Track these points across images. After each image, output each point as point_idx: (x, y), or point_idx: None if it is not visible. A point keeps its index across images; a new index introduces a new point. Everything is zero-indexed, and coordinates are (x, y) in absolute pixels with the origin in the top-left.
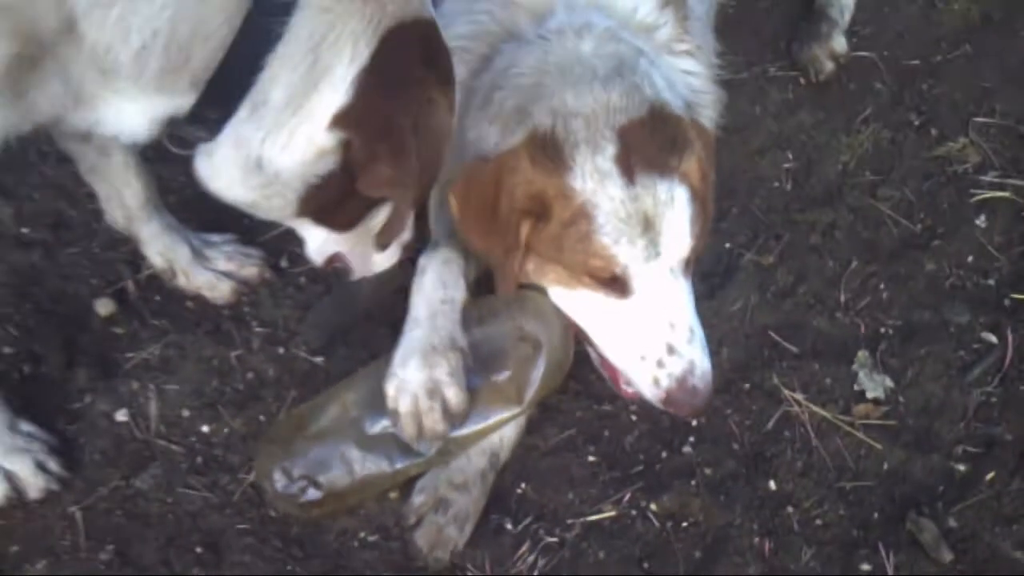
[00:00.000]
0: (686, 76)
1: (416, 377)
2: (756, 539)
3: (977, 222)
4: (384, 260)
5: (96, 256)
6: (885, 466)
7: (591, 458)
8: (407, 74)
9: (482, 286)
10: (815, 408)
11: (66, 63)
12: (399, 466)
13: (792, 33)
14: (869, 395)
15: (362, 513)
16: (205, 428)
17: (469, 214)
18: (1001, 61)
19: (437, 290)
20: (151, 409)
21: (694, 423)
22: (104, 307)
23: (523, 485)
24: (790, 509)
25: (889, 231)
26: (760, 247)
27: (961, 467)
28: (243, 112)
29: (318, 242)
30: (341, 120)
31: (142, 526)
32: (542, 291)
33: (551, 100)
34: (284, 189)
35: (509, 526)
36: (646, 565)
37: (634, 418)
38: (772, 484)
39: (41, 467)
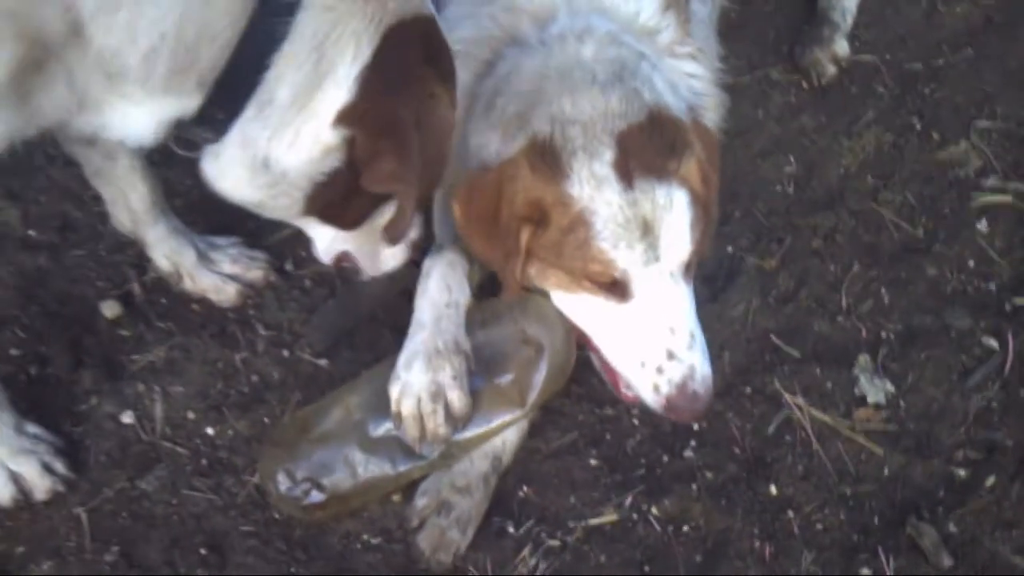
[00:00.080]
0: (689, 79)
1: (420, 380)
2: (757, 543)
3: (978, 226)
4: (392, 259)
5: (102, 259)
6: (885, 471)
7: (593, 462)
8: (409, 70)
9: (486, 290)
10: (816, 412)
11: (72, 67)
12: (402, 469)
13: (794, 37)
14: (870, 400)
15: (365, 516)
16: (210, 430)
17: (471, 221)
18: (1003, 65)
19: (441, 294)
20: (156, 411)
21: (695, 427)
22: (110, 309)
23: (525, 488)
24: (791, 513)
25: (890, 235)
26: (762, 251)
27: (961, 472)
28: (249, 112)
29: (326, 241)
30: (345, 117)
31: (147, 527)
32: (545, 295)
33: (550, 106)
34: (291, 188)
35: (511, 529)
36: (647, 568)
37: (636, 422)
38: (773, 488)
39: (47, 468)
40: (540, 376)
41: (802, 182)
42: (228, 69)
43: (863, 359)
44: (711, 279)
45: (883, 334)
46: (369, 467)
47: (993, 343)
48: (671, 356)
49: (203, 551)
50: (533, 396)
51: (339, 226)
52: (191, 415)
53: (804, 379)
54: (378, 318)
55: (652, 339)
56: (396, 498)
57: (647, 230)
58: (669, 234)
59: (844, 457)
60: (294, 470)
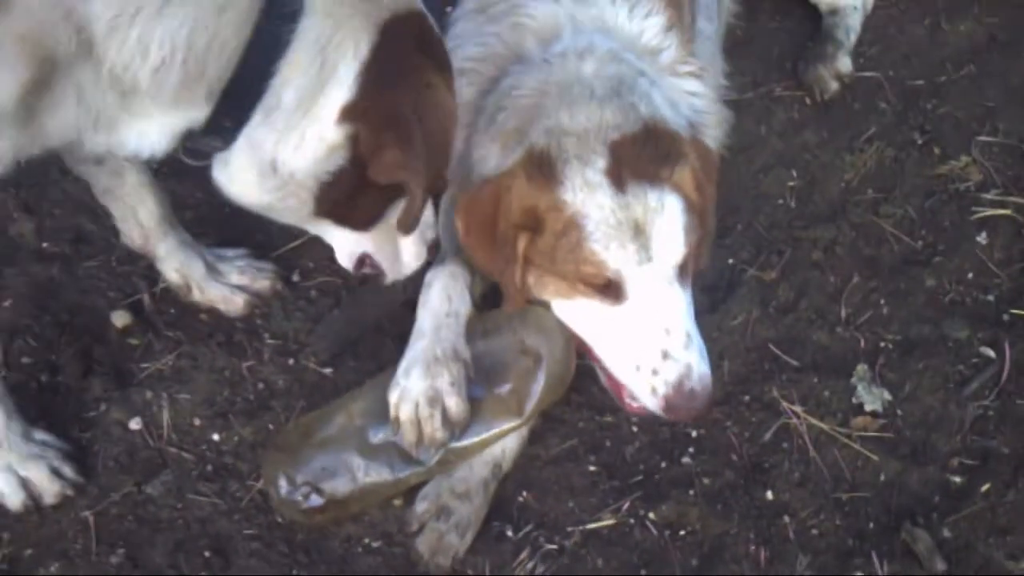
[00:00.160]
0: (690, 97)
1: (418, 385)
2: (752, 548)
3: (978, 239)
4: (413, 261)
5: (114, 269)
6: (881, 477)
7: (592, 467)
8: (405, 62)
9: (488, 301)
10: (813, 420)
11: (83, 86)
12: (400, 475)
13: (799, 54)
14: (867, 408)
15: (366, 520)
16: (216, 436)
17: (472, 233)
18: (1005, 81)
19: (443, 303)
20: (164, 418)
21: (694, 434)
22: (120, 319)
23: (524, 493)
24: (786, 519)
25: (891, 248)
26: (762, 263)
27: (956, 479)
28: (256, 118)
29: (345, 245)
30: (347, 114)
31: (152, 531)
32: (546, 306)
33: (548, 120)
34: (299, 189)
35: (510, 533)
36: (644, 572)
37: (635, 429)
38: (769, 494)
39: (56, 473)
40: (538, 386)
41: (804, 196)
42: (235, 78)
43: (861, 368)
44: (712, 290)
45: (882, 344)
46: (368, 472)
47: (990, 353)
48: (666, 356)
49: (207, 554)
50: (531, 405)
51: (352, 226)
52: (197, 422)
53: (802, 388)
54: (382, 328)
55: (648, 340)
56: (397, 503)
57: (639, 231)
58: (661, 235)
59: (840, 464)
60: (294, 474)
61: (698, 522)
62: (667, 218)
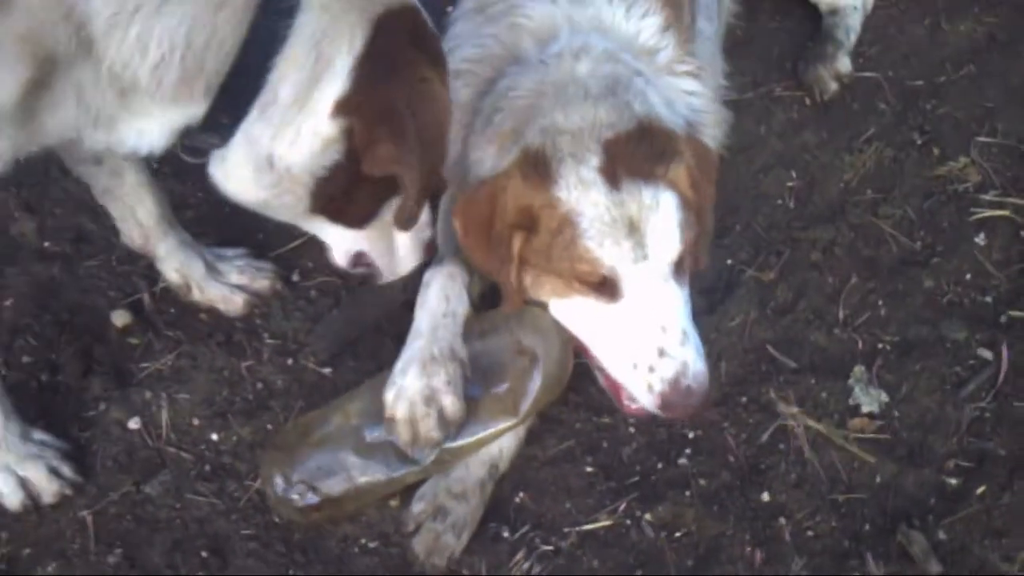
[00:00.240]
0: (688, 96)
1: (414, 384)
2: (748, 549)
3: (976, 240)
4: (409, 261)
5: (114, 269)
6: (878, 479)
7: (588, 468)
8: (399, 57)
9: (487, 301)
10: (810, 422)
11: (82, 85)
12: (396, 474)
13: (798, 54)
14: (864, 409)
15: (363, 520)
16: (214, 436)
17: (470, 234)
18: (1005, 82)
19: (440, 303)
20: (163, 417)
21: (690, 435)
22: (120, 318)
23: (521, 494)
24: (782, 520)
25: (889, 248)
26: (761, 263)
27: (953, 481)
28: (254, 113)
29: (340, 243)
30: (342, 108)
31: (150, 530)
32: (543, 307)
33: (543, 120)
34: (294, 184)
35: (506, 534)
36: (640, 573)
37: (632, 430)
38: (765, 496)
39: (55, 472)
40: (534, 386)
41: (803, 196)
42: (232, 74)
43: (858, 370)
44: (710, 291)
45: (879, 345)
46: (364, 471)
47: (987, 354)
48: (662, 353)
49: (204, 554)
50: (527, 405)
51: (347, 223)
52: (196, 421)
53: (799, 389)
54: (381, 328)
55: (644, 338)
56: (393, 503)
57: (633, 228)
58: (656, 232)
59: (837, 465)
60: (291, 473)
61: (694, 523)
62: (662, 215)
